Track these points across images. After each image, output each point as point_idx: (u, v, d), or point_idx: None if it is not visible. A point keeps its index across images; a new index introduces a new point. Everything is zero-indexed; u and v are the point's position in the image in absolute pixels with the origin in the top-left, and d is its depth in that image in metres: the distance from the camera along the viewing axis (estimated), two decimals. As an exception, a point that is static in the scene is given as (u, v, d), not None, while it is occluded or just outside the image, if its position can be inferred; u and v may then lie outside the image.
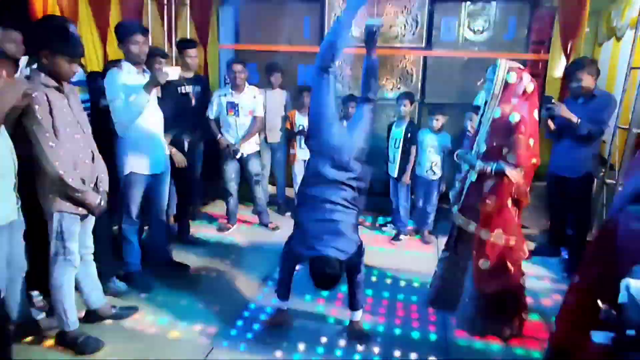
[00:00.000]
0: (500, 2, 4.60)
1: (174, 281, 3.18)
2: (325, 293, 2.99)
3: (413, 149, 3.94)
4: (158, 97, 2.94)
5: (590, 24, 6.20)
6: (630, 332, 1.25)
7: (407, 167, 3.94)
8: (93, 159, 2.24)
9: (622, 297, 1.37)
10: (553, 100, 3.27)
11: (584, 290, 2.13)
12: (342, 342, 2.57)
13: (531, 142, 2.39)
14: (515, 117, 2.35)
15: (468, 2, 4.68)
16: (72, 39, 2.05)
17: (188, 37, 5.13)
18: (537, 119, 2.45)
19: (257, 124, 4.01)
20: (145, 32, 2.80)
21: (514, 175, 2.37)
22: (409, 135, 3.92)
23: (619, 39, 5.45)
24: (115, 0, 6.10)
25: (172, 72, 2.71)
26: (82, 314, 2.56)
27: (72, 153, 2.09)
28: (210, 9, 5.58)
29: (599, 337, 1.47)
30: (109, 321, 2.63)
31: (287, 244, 2.63)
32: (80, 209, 2.16)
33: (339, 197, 2.42)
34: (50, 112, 1.97)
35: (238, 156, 3.92)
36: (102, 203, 2.23)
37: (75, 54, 2.08)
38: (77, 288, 2.45)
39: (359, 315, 2.62)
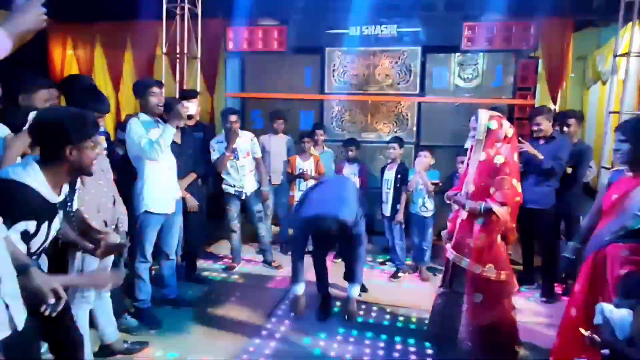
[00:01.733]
0: (487, 52, 4.97)
1: (182, 318, 3.32)
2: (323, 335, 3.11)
3: (404, 189, 4.17)
4: (176, 143, 3.21)
5: (577, 68, 6.61)
6: (605, 351, 1.41)
7: (399, 207, 4.17)
8: (114, 202, 2.46)
9: (597, 320, 1.54)
10: (520, 139, 3.55)
11: (576, 320, 2.29)
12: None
13: (514, 181, 2.61)
14: (499, 159, 2.58)
15: (457, 53, 5.05)
16: (101, 97, 2.34)
17: (198, 88, 5.51)
18: (517, 161, 2.68)
19: (260, 164, 4.29)
20: (161, 85, 3.11)
21: (502, 212, 2.57)
22: (399, 176, 4.18)
23: (604, 83, 5.81)
24: (128, 52, 6.61)
25: (192, 107, 3.01)
26: (96, 348, 2.69)
27: (95, 198, 2.31)
28: (217, 62, 6.02)
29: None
30: (120, 356, 2.75)
31: (294, 219, 3.09)
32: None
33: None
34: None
35: (243, 197, 4.14)
36: (125, 242, 2.42)
37: (104, 110, 2.37)
38: (93, 323, 2.60)
39: (355, 292, 2.82)
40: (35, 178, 1.62)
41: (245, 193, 4.17)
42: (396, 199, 4.19)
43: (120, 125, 4.91)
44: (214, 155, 4.12)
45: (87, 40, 6.72)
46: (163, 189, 3.11)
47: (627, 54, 4.14)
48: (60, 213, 1.75)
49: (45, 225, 1.66)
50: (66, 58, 6.91)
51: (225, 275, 4.19)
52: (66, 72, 6.75)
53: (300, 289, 3.11)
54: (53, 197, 1.68)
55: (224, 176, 4.17)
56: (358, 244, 2.95)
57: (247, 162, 4.17)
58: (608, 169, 4.10)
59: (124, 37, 6.49)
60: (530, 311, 3.57)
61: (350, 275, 3.01)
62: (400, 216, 4.17)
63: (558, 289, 3.85)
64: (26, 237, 1.61)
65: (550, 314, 3.51)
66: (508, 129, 2.67)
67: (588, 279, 2.36)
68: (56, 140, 1.65)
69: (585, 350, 2.14)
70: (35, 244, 1.67)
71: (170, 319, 3.25)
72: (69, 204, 1.83)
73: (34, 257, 1.72)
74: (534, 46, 4.84)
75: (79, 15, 6.30)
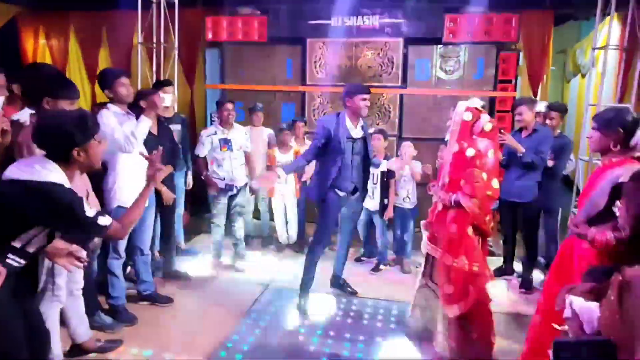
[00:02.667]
0: (468, 44, 4.96)
1: (157, 314, 3.25)
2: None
3: (392, 182, 4.13)
4: (152, 134, 3.11)
5: (558, 62, 6.66)
6: (566, 339, 1.39)
7: (387, 201, 4.10)
8: (87, 196, 2.37)
9: (566, 313, 1.52)
10: (501, 131, 3.55)
11: (547, 311, 2.29)
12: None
13: (484, 175, 2.58)
14: (470, 152, 2.56)
15: (439, 45, 5.03)
16: (69, 83, 2.26)
17: (176, 79, 5.38)
18: (492, 156, 2.63)
19: (250, 159, 4.25)
20: (128, 75, 3.03)
21: (469, 205, 2.56)
22: (386, 169, 4.12)
23: (584, 75, 5.87)
24: (104, 43, 6.42)
25: (168, 98, 2.92)
26: (67, 347, 2.61)
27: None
28: (197, 52, 5.88)
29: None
30: (93, 355, 2.68)
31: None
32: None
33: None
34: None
35: (234, 191, 4.07)
36: (97, 239, 2.34)
37: (74, 96, 2.29)
38: (64, 322, 2.51)
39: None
40: (62, 177, 1.72)
41: (236, 187, 4.09)
42: (383, 194, 4.13)
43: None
44: (200, 149, 4.02)
45: (61, 29, 6.49)
46: (135, 182, 3.00)
47: (605, 47, 4.17)
48: None
49: None
50: (39, 48, 6.67)
51: (204, 271, 4.12)
52: (39, 61, 6.52)
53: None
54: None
55: (214, 169, 4.07)
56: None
57: (240, 155, 4.10)
58: (586, 161, 4.14)
59: (100, 26, 6.29)
60: (509, 301, 3.60)
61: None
62: (390, 212, 4.11)
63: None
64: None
65: (529, 304, 3.54)
66: (486, 123, 2.63)
67: (556, 270, 2.37)
68: (63, 145, 1.74)
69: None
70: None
71: (147, 315, 3.18)
72: None
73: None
74: (515, 38, 4.84)
75: (51, 4, 6.08)
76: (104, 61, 6.45)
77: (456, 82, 5.10)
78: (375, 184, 4.18)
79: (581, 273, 2.03)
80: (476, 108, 2.66)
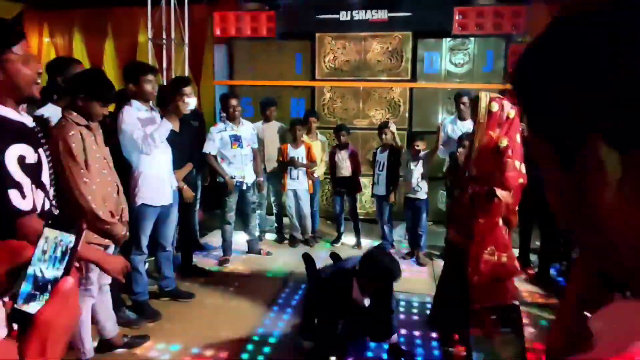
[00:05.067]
0: (477, 37, 4.97)
1: (180, 309, 3.25)
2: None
3: (399, 169, 4.27)
4: (174, 132, 3.10)
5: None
6: None
7: (393, 186, 4.25)
8: (118, 192, 2.37)
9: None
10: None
11: (574, 303, 2.32)
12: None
13: (517, 164, 2.62)
14: (503, 143, 2.58)
15: (448, 38, 5.04)
16: (108, 86, 2.25)
17: (187, 75, 5.36)
18: (520, 142, 2.68)
19: (257, 155, 4.23)
20: (155, 72, 2.99)
21: (505, 196, 2.58)
22: (392, 158, 4.24)
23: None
24: (109, 40, 6.38)
25: (193, 102, 2.91)
26: (95, 343, 2.61)
27: (101, 187, 2.22)
28: (203, 49, 5.87)
29: None
30: (120, 350, 2.68)
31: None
32: (106, 240, 2.27)
33: None
34: (84, 150, 2.12)
35: (244, 187, 4.07)
36: (126, 234, 2.34)
37: (109, 99, 2.27)
38: (94, 318, 2.51)
39: (395, 337, 2.72)
40: None
41: (247, 183, 4.09)
42: (389, 181, 4.27)
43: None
44: (212, 146, 4.00)
45: (65, 27, 6.46)
46: (159, 180, 3.01)
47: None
48: None
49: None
50: (43, 45, 6.64)
51: (222, 267, 4.13)
52: (44, 60, 6.47)
53: None
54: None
55: (224, 166, 4.05)
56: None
57: (249, 152, 4.09)
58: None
59: (105, 24, 6.26)
60: (526, 293, 3.63)
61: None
62: (392, 196, 4.25)
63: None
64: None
65: (547, 295, 3.58)
66: (510, 110, 2.66)
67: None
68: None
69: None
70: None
71: (170, 311, 3.19)
72: None
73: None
74: (524, 31, 4.86)
75: (55, 2, 6.04)
76: (109, 59, 6.42)
77: (466, 75, 5.12)
78: (382, 170, 4.28)
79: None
80: (499, 97, 2.68)
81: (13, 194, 1.38)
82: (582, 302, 2.17)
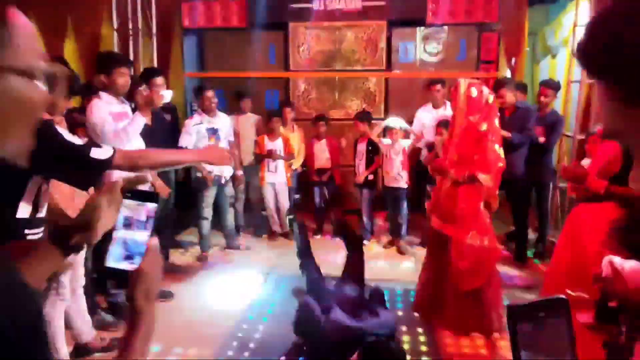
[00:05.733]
0: (450, 26, 5.01)
1: (160, 309, 3.12)
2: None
3: (377, 159, 4.30)
4: (147, 125, 2.95)
5: (529, 43, 6.84)
6: (612, 304, 1.42)
7: (368, 170, 4.30)
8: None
9: (606, 272, 1.53)
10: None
11: (558, 277, 2.38)
12: None
13: (496, 147, 2.64)
14: (483, 127, 2.60)
15: (422, 27, 5.05)
16: (71, 77, 2.10)
17: (155, 66, 5.16)
18: (498, 126, 2.71)
19: (233, 147, 4.13)
20: (131, 64, 2.84)
21: (485, 179, 2.61)
22: (370, 147, 4.28)
23: (554, 56, 6.07)
24: (70, 33, 6.05)
25: (167, 95, 2.78)
26: (71, 348, 2.48)
27: (70, 186, 2.08)
28: (172, 39, 5.65)
29: (583, 317, 1.65)
30: (98, 354, 2.56)
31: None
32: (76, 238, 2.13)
33: None
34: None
35: (223, 181, 3.95)
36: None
37: (73, 91, 2.13)
38: (67, 322, 2.38)
39: None
40: None
41: (225, 177, 3.98)
42: (368, 169, 4.33)
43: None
44: (188, 139, 3.85)
45: (21, 18, 6.07)
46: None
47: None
48: None
49: None
50: None
51: (199, 264, 4.01)
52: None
53: None
54: None
55: None
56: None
57: (226, 145, 3.98)
58: (569, 136, 4.29)
59: (64, 13, 5.92)
60: (505, 275, 3.69)
61: None
62: (361, 178, 4.31)
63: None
64: None
65: (524, 277, 3.66)
66: (488, 95, 2.69)
67: (565, 239, 2.45)
68: None
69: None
70: None
71: (148, 311, 3.06)
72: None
73: None
74: (496, 18, 4.93)
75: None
76: (70, 51, 6.09)
77: (439, 64, 5.15)
78: (361, 161, 4.32)
79: (594, 241, 2.11)
80: (478, 83, 2.70)
81: None
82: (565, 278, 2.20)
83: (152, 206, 0.74)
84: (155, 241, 0.72)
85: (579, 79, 4.20)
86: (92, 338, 2.54)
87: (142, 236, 0.73)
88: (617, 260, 1.54)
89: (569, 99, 4.30)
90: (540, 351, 0.64)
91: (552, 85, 3.93)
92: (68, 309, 2.32)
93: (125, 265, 0.71)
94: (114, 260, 0.71)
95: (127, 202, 0.73)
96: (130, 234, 0.73)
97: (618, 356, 1.43)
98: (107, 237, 2.48)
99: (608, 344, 1.54)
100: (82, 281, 2.42)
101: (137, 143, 2.85)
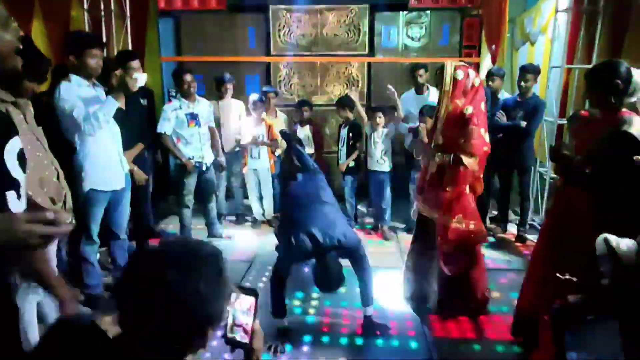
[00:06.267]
0: (433, 10, 4.96)
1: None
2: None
3: (358, 144, 4.27)
4: (121, 110, 2.81)
5: (508, 30, 6.86)
6: (605, 281, 1.43)
7: (349, 158, 4.26)
8: (58, 176, 2.11)
9: (600, 251, 1.52)
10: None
11: (542, 262, 2.38)
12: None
13: (482, 131, 2.62)
14: (469, 110, 2.56)
15: (405, 11, 4.99)
16: (38, 57, 1.95)
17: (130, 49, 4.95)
18: (484, 110, 2.69)
19: (215, 133, 4.00)
20: (103, 46, 2.68)
21: (470, 163, 2.59)
22: (351, 134, 4.23)
23: (533, 43, 6.11)
24: (37, 11, 5.74)
25: (142, 79, 2.64)
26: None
27: (37, 172, 1.95)
28: (146, 22, 5.43)
29: (573, 299, 1.66)
30: (76, 349, 2.45)
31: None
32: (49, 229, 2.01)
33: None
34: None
35: (204, 168, 3.84)
36: (72, 222, 2.10)
37: (40, 72, 1.98)
38: (40, 317, 2.26)
39: (370, 310, 2.65)
40: None
41: (206, 164, 3.86)
42: (349, 155, 4.28)
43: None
44: (167, 125, 3.71)
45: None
46: (109, 162, 2.74)
47: (567, 10, 4.30)
48: None
49: None
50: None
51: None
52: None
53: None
54: None
55: (181, 147, 3.77)
56: (365, 266, 2.56)
57: (207, 131, 3.85)
58: (550, 121, 4.33)
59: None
60: (489, 260, 3.73)
61: (363, 298, 2.63)
62: (343, 166, 4.28)
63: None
64: None
65: (507, 259, 3.71)
66: (475, 78, 2.65)
67: (552, 219, 2.46)
68: None
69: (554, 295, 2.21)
70: None
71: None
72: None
73: None
74: (478, 3, 4.90)
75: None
76: (37, 33, 5.79)
77: (422, 49, 5.11)
78: (342, 146, 4.28)
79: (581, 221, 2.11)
80: (465, 65, 2.66)
81: None
82: (550, 262, 2.21)
83: (251, 299, 1.04)
84: (259, 325, 1.04)
85: (559, 65, 4.23)
86: (69, 332, 2.42)
87: (244, 318, 1.02)
88: (613, 238, 1.54)
89: (549, 84, 4.33)
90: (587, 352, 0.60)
91: (531, 70, 3.93)
92: (42, 302, 2.21)
93: (235, 335, 1.01)
94: (227, 329, 1.01)
95: (236, 289, 1.03)
96: (239, 315, 1.02)
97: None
98: (81, 228, 2.33)
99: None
100: (55, 273, 2.29)
101: (110, 127, 2.72)
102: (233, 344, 1.01)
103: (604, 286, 1.49)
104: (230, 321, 0.99)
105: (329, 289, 2.47)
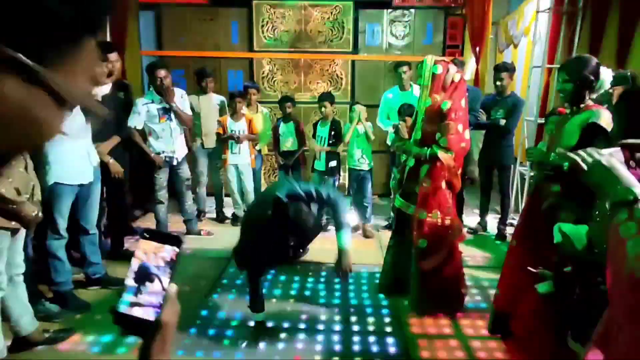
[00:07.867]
0: (417, 9, 4.96)
1: (112, 298, 2.94)
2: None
3: (340, 145, 4.18)
4: (98, 102, 2.70)
5: (492, 32, 6.92)
6: (567, 269, 1.42)
7: (332, 164, 4.17)
8: (26, 167, 2.02)
9: (557, 238, 1.54)
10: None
11: (519, 255, 2.38)
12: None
13: (460, 127, 2.61)
14: (446, 105, 2.55)
15: (389, 9, 4.98)
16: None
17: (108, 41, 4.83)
18: (464, 106, 2.67)
19: (188, 122, 3.88)
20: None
21: (446, 158, 2.57)
22: (333, 132, 4.15)
23: (516, 46, 6.18)
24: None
25: (117, 65, 2.56)
26: (9, 342, 2.27)
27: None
28: (127, 15, 5.31)
29: (542, 287, 1.65)
30: (41, 347, 2.36)
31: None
32: (13, 222, 1.93)
33: None
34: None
35: (175, 163, 3.75)
36: (38, 214, 2.02)
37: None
38: (4, 314, 2.17)
39: (347, 241, 2.58)
40: None
41: (177, 158, 3.77)
42: (330, 157, 4.17)
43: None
44: (137, 119, 3.60)
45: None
46: (75, 156, 2.65)
47: (548, 10, 4.34)
48: None
49: None
50: None
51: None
52: None
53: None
54: None
55: (151, 141, 3.69)
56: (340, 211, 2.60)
57: (178, 125, 3.76)
58: (530, 120, 4.37)
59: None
60: (468, 257, 3.74)
61: (336, 224, 2.61)
62: (322, 148, 4.19)
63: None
64: None
65: (486, 256, 3.71)
66: (455, 74, 2.63)
67: (526, 215, 2.46)
68: None
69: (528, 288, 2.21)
70: None
71: (101, 300, 2.87)
72: None
73: None
74: (462, 2, 4.92)
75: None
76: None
77: (406, 48, 5.11)
78: (323, 145, 4.20)
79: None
80: (445, 60, 2.65)
81: None
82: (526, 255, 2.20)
83: (170, 250, 0.63)
84: (175, 289, 0.63)
85: (539, 65, 4.27)
86: (34, 330, 2.33)
87: (156, 283, 0.63)
88: (566, 225, 1.54)
89: (530, 84, 4.36)
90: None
91: (503, 68, 3.94)
92: (5, 298, 2.12)
93: (134, 311, 0.60)
94: (125, 305, 0.61)
95: (143, 243, 0.63)
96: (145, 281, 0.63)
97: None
98: (48, 220, 2.25)
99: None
100: (22, 269, 2.21)
101: (76, 120, 2.62)
102: (127, 325, 0.60)
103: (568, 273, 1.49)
104: (129, 292, 0.61)
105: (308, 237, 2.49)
